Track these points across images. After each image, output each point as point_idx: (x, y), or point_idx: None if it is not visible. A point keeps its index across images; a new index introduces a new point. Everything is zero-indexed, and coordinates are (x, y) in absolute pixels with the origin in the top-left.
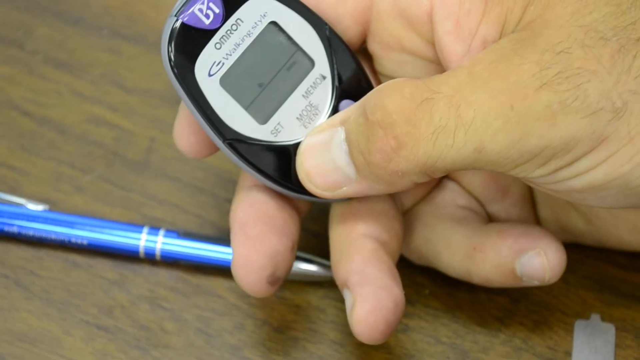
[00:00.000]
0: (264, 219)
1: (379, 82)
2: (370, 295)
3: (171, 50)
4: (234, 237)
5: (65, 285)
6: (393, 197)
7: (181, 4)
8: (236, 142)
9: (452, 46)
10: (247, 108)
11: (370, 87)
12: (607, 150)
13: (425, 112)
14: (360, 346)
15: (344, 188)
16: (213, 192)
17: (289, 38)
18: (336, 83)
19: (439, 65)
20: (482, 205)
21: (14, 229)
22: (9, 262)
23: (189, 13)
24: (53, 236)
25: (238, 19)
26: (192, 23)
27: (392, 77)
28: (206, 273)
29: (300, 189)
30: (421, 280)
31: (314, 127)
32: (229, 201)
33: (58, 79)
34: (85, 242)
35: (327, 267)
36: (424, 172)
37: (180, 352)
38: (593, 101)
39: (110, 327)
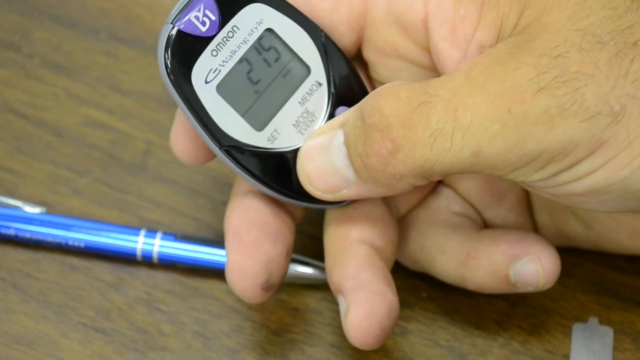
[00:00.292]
0: (259, 225)
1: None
2: (364, 301)
3: (167, 57)
4: (228, 243)
5: (63, 288)
6: (388, 203)
7: (177, 11)
8: (233, 148)
9: (448, 52)
10: (243, 115)
11: (366, 94)
12: (606, 155)
13: (422, 115)
14: (358, 349)
15: (344, 191)
16: (210, 195)
17: (285, 45)
18: (332, 90)
19: (434, 72)
20: (477, 211)
21: (11, 232)
22: (5, 264)
23: (186, 20)
24: (50, 239)
25: (234, 26)
26: (189, 30)
27: None
28: (203, 276)
29: (296, 195)
30: (419, 284)
31: (310, 134)
32: (226, 204)
33: (55, 81)
34: (82, 244)
35: (324, 270)
36: (422, 175)
37: (178, 354)
38: (591, 105)
39: (108, 329)
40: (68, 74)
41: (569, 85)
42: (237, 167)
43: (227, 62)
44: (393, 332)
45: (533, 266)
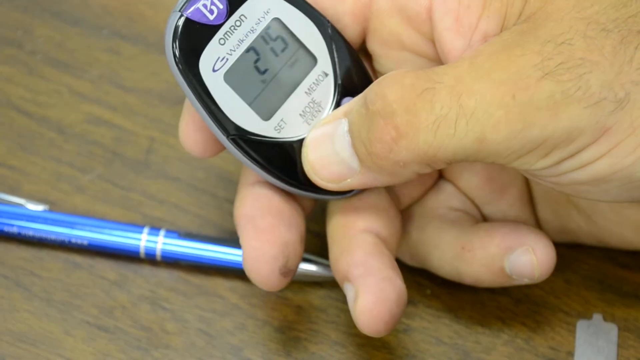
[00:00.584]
0: (272, 211)
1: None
2: (373, 287)
3: (175, 45)
4: (243, 232)
5: (66, 286)
6: (392, 195)
7: (185, 0)
8: (240, 137)
9: (452, 42)
10: (250, 104)
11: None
12: (610, 142)
13: (426, 101)
14: (362, 346)
15: (348, 180)
16: (213, 192)
17: (292, 35)
18: (338, 80)
19: (438, 63)
20: (477, 207)
21: (14, 230)
22: (9, 262)
23: (193, 8)
24: (53, 236)
25: (242, 15)
26: (197, 18)
27: None
28: (207, 273)
29: (302, 185)
30: (423, 281)
31: (317, 123)
32: (230, 201)
33: (57, 79)
34: (85, 242)
35: (329, 267)
36: (426, 162)
37: (181, 352)
38: (595, 91)
39: (111, 327)
40: (71, 71)
41: (573, 71)
42: (244, 156)
43: (234, 50)
44: (396, 329)
45: (527, 257)
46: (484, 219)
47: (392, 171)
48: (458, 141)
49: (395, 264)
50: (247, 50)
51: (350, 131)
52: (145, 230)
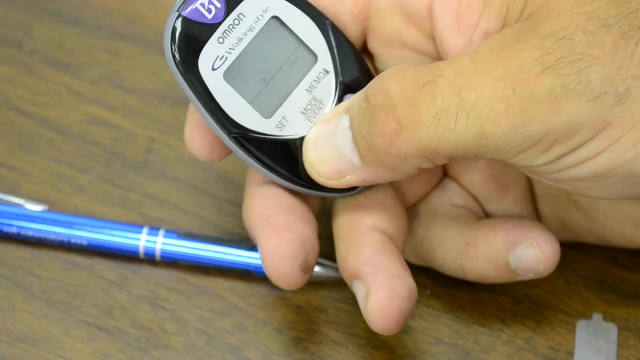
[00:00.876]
0: (286, 208)
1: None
2: (384, 284)
3: (174, 45)
4: (259, 231)
5: (65, 286)
6: (398, 193)
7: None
8: (241, 136)
9: (452, 40)
10: (251, 102)
11: None
12: (611, 136)
13: (427, 94)
14: (362, 346)
15: (348, 176)
16: (213, 192)
17: (291, 32)
18: (339, 77)
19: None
20: (480, 204)
21: (13, 230)
22: (8, 262)
23: (191, 8)
24: (52, 236)
25: (240, 13)
26: (194, 17)
27: None
28: (206, 273)
29: (306, 183)
30: (423, 281)
31: (318, 120)
32: (229, 201)
33: (57, 79)
34: (84, 242)
35: (329, 268)
36: (426, 156)
37: (181, 352)
38: (596, 85)
39: (111, 327)
40: (70, 71)
41: (573, 65)
42: (246, 154)
43: (233, 49)
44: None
45: (532, 251)
46: (487, 216)
47: (393, 166)
48: (458, 135)
49: (403, 260)
50: (247, 48)
51: (352, 126)
52: (145, 230)
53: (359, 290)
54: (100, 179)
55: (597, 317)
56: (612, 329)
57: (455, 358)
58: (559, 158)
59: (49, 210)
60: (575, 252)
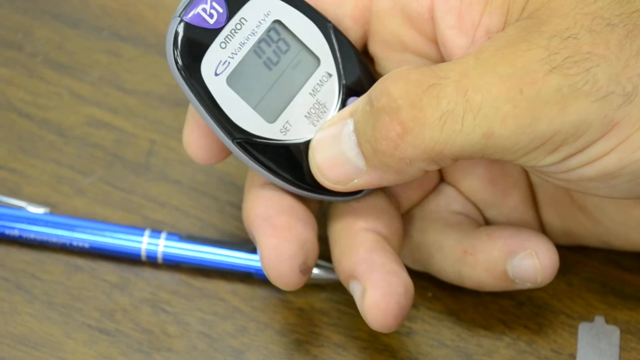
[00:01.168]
0: (287, 210)
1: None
2: (380, 281)
3: (176, 51)
4: (260, 231)
5: (67, 289)
6: (391, 198)
7: (184, 5)
8: (245, 141)
9: (455, 40)
10: (255, 107)
11: None
12: (619, 136)
13: (432, 97)
14: (364, 349)
15: (355, 180)
16: (214, 194)
17: (294, 36)
18: (343, 80)
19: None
20: (479, 210)
21: (15, 232)
22: (10, 265)
23: (193, 13)
24: (54, 239)
25: (242, 18)
26: (196, 23)
27: None
28: (208, 276)
29: (310, 187)
30: (424, 284)
31: (322, 125)
32: (231, 204)
33: (58, 81)
34: (86, 245)
35: (330, 270)
36: (432, 158)
37: (183, 355)
38: (603, 85)
39: (112, 330)
40: (71, 73)
41: (580, 65)
42: (250, 159)
43: (236, 54)
44: (398, 331)
45: (530, 261)
46: (487, 222)
47: (398, 169)
48: (465, 136)
49: (399, 259)
50: (249, 53)
51: (356, 130)
52: (147, 233)
53: (355, 289)
54: (101, 182)
55: (599, 319)
56: (614, 332)
57: None
58: (566, 158)
59: (51, 213)
60: (578, 254)
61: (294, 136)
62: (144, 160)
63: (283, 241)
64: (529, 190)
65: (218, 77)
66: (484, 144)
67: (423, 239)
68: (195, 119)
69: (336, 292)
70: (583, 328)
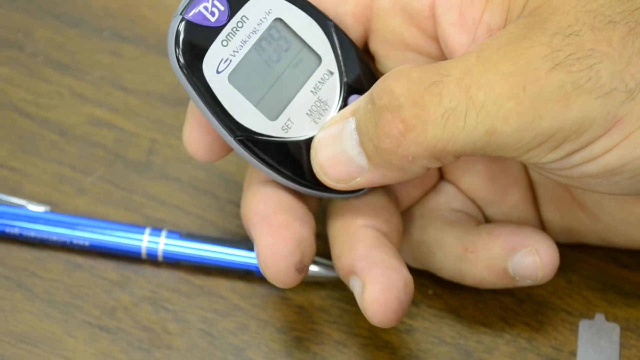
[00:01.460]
0: (285, 208)
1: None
2: (379, 276)
3: (178, 49)
4: (257, 228)
5: (67, 287)
6: (391, 195)
7: (186, 3)
8: (247, 138)
9: (456, 37)
10: (256, 105)
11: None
12: (621, 133)
13: (434, 94)
14: (364, 346)
15: (357, 179)
16: (215, 193)
17: (295, 34)
18: (344, 78)
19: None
20: (479, 208)
21: (16, 231)
22: (10, 263)
23: (195, 11)
24: (55, 237)
25: (243, 16)
26: (198, 21)
27: None
28: (209, 274)
29: (311, 184)
30: (425, 281)
31: (324, 123)
32: (231, 202)
33: (59, 80)
34: (87, 243)
35: (330, 268)
36: (435, 156)
37: (183, 353)
38: (606, 82)
39: (113, 328)
40: (72, 73)
41: (583, 62)
42: (252, 157)
43: (237, 52)
44: (398, 329)
45: (531, 259)
46: (486, 220)
47: (401, 166)
48: (467, 134)
49: (398, 255)
50: (251, 51)
51: (358, 128)
52: (147, 231)
53: (355, 286)
54: (102, 180)
55: (599, 317)
56: (614, 329)
57: (458, 358)
58: (569, 155)
59: (51, 211)
60: (578, 252)
61: (295, 134)
62: (144, 159)
63: (280, 239)
64: (528, 187)
65: (220, 74)
66: (486, 141)
67: (423, 237)
68: (196, 117)
69: (336, 289)
70: (583, 325)
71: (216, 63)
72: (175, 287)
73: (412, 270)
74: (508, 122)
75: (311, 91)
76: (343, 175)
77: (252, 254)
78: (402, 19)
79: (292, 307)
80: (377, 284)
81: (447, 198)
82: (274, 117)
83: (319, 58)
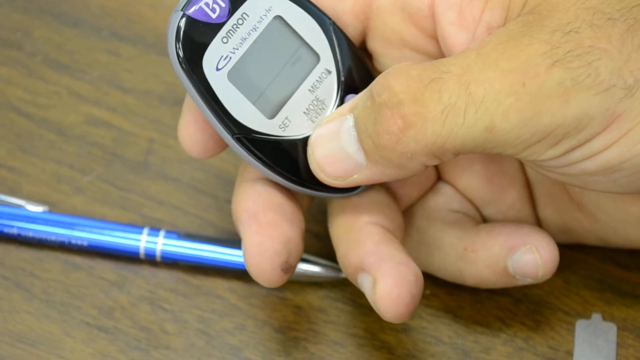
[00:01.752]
0: (274, 207)
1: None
2: (391, 270)
3: (178, 44)
4: (245, 226)
5: (66, 287)
6: (391, 194)
7: None
8: (245, 136)
9: (456, 36)
10: (255, 102)
11: None
12: (620, 129)
13: (434, 91)
14: (362, 346)
15: (355, 176)
16: (213, 193)
17: (294, 32)
18: (341, 78)
19: None
20: (477, 208)
21: (14, 231)
22: (9, 263)
23: (196, 7)
24: (53, 237)
25: (244, 13)
26: (199, 17)
27: None
28: (206, 274)
29: (307, 183)
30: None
31: (320, 121)
32: (230, 202)
33: (57, 80)
34: (85, 243)
35: (328, 268)
36: (433, 153)
37: (181, 353)
38: (605, 78)
39: (111, 328)
40: (70, 73)
41: (582, 58)
42: (249, 155)
43: (237, 49)
44: (396, 328)
45: (531, 256)
46: (484, 220)
47: (399, 163)
48: (467, 130)
49: (405, 250)
50: (250, 48)
51: (357, 125)
52: (145, 231)
53: (364, 282)
54: (100, 180)
55: (596, 316)
56: (611, 329)
57: (455, 358)
58: (568, 152)
59: (50, 211)
60: (575, 252)
61: (292, 132)
62: (142, 158)
63: (267, 238)
64: (526, 187)
65: (219, 71)
66: (485, 138)
67: (422, 237)
68: (191, 113)
69: (334, 289)
70: (580, 325)
71: (216, 60)
72: (173, 287)
73: None
74: (507, 119)
75: (309, 90)
76: (340, 172)
77: None
78: (402, 17)
79: (290, 307)
80: (389, 279)
81: (445, 199)
82: (271, 115)
83: (317, 57)
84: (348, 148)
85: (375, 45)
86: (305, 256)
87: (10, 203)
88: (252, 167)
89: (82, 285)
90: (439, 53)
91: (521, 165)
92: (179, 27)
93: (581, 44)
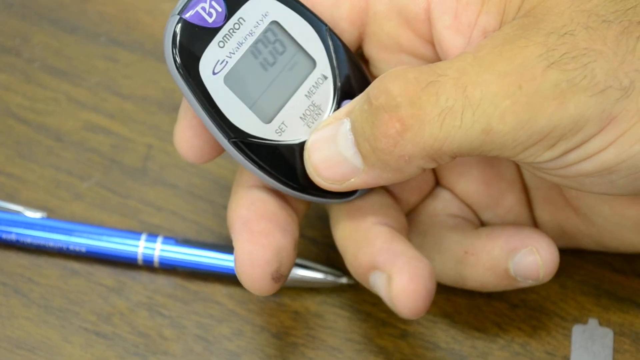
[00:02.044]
0: (267, 215)
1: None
2: (405, 265)
3: (175, 49)
4: (238, 234)
5: (64, 293)
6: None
7: (184, 3)
8: (241, 141)
9: (452, 40)
10: (251, 107)
11: None
12: (617, 130)
13: (431, 94)
14: (359, 352)
15: (352, 180)
16: (211, 198)
17: (291, 38)
18: (338, 83)
19: None
20: (475, 213)
21: (12, 237)
22: (7, 269)
23: (193, 11)
24: (51, 243)
25: (240, 17)
26: (196, 21)
27: None
28: (204, 280)
29: (303, 188)
30: None
31: (318, 125)
32: (227, 208)
33: (55, 86)
34: (83, 249)
35: (326, 273)
36: (431, 156)
37: (179, 358)
38: (601, 80)
39: (109, 334)
40: (68, 79)
41: (578, 60)
42: (245, 159)
43: (234, 53)
44: (392, 334)
45: (532, 257)
46: (483, 224)
47: (397, 167)
48: (464, 133)
49: (415, 248)
50: (247, 53)
51: (354, 129)
52: (143, 237)
53: (377, 280)
54: (98, 186)
55: (592, 322)
56: (607, 334)
57: None
58: (565, 153)
59: (48, 217)
60: (571, 257)
61: (289, 137)
62: (141, 165)
63: (258, 247)
64: (523, 191)
65: (216, 76)
66: (482, 140)
67: (422, 242)
68: (188, 117)
69: (331, 295)
70: (577, 330)
71: (212, 64)
72: (171, 292)
73: None
74: (504, 121)
75: (305, 95)
76: (337, 176)
77: None
78: (398, 22)
79: (288, 312)
80: (405, 273)
81: (444, 204)
82: (268, 120)
83: (314, 62)
84: (345, 152)
85: (371, 51)
86: (303, 262)
87: (9, 209)
88: (249, 173)
89: (80, 291)
90: (436, 57)
91: (518, 169)
92: (175, 32)
93: (577, 46)
